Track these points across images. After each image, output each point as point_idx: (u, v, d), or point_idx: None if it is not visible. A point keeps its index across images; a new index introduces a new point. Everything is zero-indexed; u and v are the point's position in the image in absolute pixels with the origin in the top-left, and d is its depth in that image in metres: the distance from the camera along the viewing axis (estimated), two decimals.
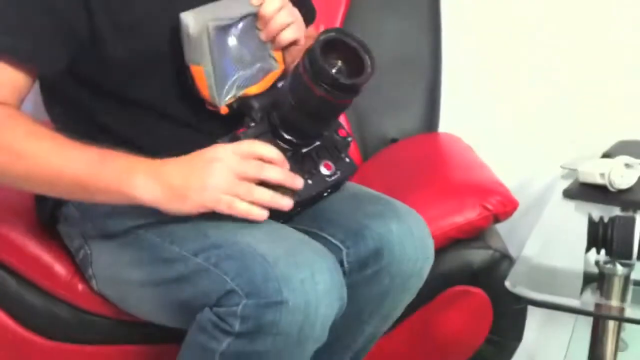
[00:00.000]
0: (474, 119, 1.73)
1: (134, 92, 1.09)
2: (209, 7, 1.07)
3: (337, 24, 1.62)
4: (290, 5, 1.11)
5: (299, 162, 1.05)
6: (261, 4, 1.08)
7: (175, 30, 1.06)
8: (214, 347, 0.98)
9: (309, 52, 0.99)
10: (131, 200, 1.00)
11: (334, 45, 1.00)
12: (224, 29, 1.07)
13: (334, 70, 0.99)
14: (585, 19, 1.68)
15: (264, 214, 1.00)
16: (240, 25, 1.09)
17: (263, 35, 1.10)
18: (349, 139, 1.11)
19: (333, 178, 1.07)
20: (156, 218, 1.05)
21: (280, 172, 1.00)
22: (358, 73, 0.99)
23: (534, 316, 1.33)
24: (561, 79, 1.71)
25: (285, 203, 1.01)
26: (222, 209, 0.98)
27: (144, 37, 1.07)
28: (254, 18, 1.09)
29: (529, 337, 1.34)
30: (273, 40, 1.10)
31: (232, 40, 1.09)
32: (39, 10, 1.02)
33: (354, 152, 1.61)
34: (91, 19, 1.04)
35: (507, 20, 1.72)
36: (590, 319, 1.11)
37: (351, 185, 1.18)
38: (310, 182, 1.05)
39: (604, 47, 1.67)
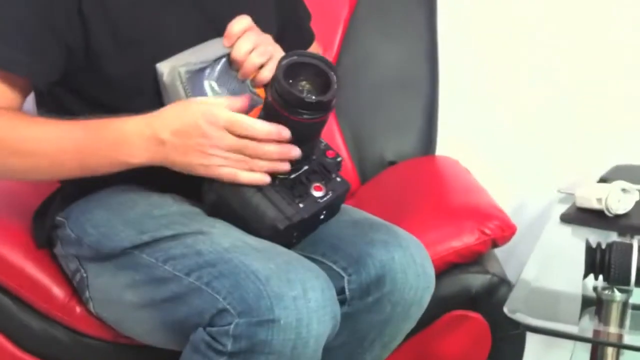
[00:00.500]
0: (471, 142, 1.74)
1: (128, 109, 1.08)
2: (184, 53, 1.09)
3: (335, 48, 1.63)
4: (265, 41, 1.10)
5: (289, 187, 1.05)
6: (233, 45, 1.09)
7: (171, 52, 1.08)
8: None
9: (274, 79, 1.00)
10: (132, 166, 1.04)
11: (297, 67, 1.01)
12: (197, 73, 1.08)
13: (300, 92, 1.00)
14: (583, 42, 1.69)
15: (266, 179, 1.03)
16: (218, 66, 1.10)
17: (239, 76, 1.11)
18: (339, 158, 1.11)
19: (325, 199, 1.07)
20: (150, 237, 1.05)
21: (276, 148, 1.02)
22: (325, 89, 1.00)
23: (532, 341, 1.33)
24: (558, 102, 1.72)
25: (285, 167, 1.04)
26: (226, 181, 1.02)
27: (142, 54, 1.08)
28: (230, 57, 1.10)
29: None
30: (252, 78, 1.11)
31: (209, 82, 1.10)
32: (34, 22, 1.04)
33: (351, 174, 1.61)
34: (87, 32, 1.06)
35: (504, 45, 1.73)
36: (589, 344, 1.11)
37: (353, 211, 1.18)
38: (302, 205, 1.05)
39: (602, 73, 1.69)
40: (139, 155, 1.02)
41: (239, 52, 1.08)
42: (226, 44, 1.09)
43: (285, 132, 1.01)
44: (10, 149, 1.05)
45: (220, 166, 1.01)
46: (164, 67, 1.07)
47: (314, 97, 1.00)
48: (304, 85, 1.01)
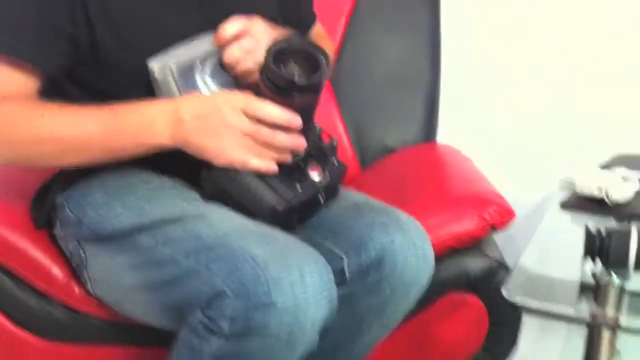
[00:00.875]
0: (472, 131, 1.74)
1: (129, 97, 1.08)
2: (175, 49, 1.09)
3: (337, 41, 1.63)
4: (258, 46, 1.10)
5: (287, 172, 1.06)
6: (224, 48, 1.10)
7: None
8: (204, 349, 0.98)
9: (264, 67, 1.02)
10: (158, 149, 1.06)
11: (286, 53, 1.03)
12: (188, 68, 1.09)
13: (291, 75, 1.02)
14: (586, 34, 1.69)
15: (274, 167, 1.05)
16: (210, 61, 1.11)
17: (230, 75, 1.12)
18: (334, 142, 1.12)
19: (323, 181, 1.09)
20: (149, 220, 1.06)
21: (288, 139, 1.04)
22: (315, 72, 1.03)
23: (528, 326, 1.33)
24: (560, 91, 1.72)
25: (289, 159, 1.06)
26: (236, 166, 1.04)
27: (142, 52, 1.09)
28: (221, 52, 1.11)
29: (523, 347, 1.34)
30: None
31: (201, 77, 1.11)
32: (36, 14, 1.05)
33: (352, 163, 1.62)
34: (91, 28, 1.07)
35: (507, 35, 1.73)
36: (584, 330, 1.11)
37: (353, 195, 1.19)
38: (300, 188, 1.06)
39: (603, 62, 1.69)
40: (162, 135, 1.04)
41: (230, 58, 1.10)
42: (215, 44, 1.10)
43: (297, 120, 1.03)
44: (37, 137, 1.06)
45: (232, 150, 1.03)
46: (155, 64, 1.08)
47: (304, 79, 1.02)
48: (294, 68, 1.03)
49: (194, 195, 1.11)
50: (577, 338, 1.11)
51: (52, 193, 1.19)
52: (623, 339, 1.09)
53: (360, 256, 1.08)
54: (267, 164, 1.04)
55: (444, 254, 1.27)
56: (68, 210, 1.16)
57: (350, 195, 1.18)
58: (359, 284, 1.08)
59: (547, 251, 1.21)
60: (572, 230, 1.30)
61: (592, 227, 1.07)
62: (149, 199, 1.10)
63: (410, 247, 1.08)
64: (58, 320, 1.23)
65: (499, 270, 1.28)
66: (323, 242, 1.10)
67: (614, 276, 1.06)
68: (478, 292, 1.29)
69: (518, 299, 1.01)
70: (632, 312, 1.04)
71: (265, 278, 0.94)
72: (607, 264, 1.05)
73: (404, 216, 1.12)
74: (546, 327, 1.43)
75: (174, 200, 1.09)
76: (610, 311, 1.03)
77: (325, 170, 1.09)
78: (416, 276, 1.09)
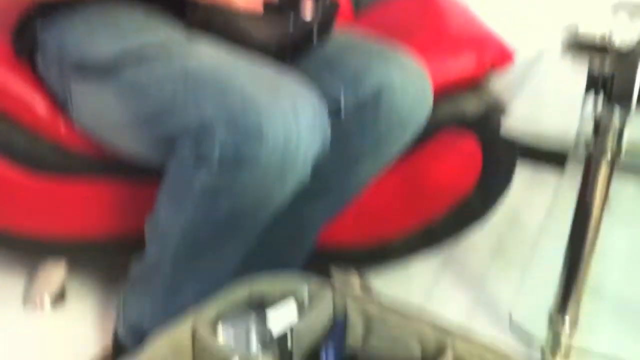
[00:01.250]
0: None
1: None
2: None
3: None
4: None
5: (277, 11, 1.03)
6: None
7: None
8: (194, 181, 0.97)
9: None
10: None
11: None
12: None
13: None
14: None
15: (260, 7, 1.01)
16: None
17: None
18: None
19: (314, 19, 1.06)
20: (134, 49, 1.02)
21: None
22: None
23: (518, 177, 1.33)
24: None
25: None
26: (221, 5, 1.00)
27: None
28: None
29: (512, 199, 1.35)
30: None
31: None
32: None
33: (346, 5, 1.56)
34: None
35: None
36: (576, 181, 1.10)
37: (348, 34, 1.15)
38: (291, 26, 1.03)
39: None
40: None
41: None
42: None
43: None
44: None
45: None
46: None
47: None
48: None
49: (182, 28, 1.07)
50: (567, 190, 1.10)
51: (33, 25, 1.15)
52: (615, 186, 1.08)
53: (357, 91, 1.04)
54: (252, 4, 1.00)
55: (442, 94, 1.24)
56: (49, 42, 1.12)
57: (345, 34, 1.15)
58: (354, 119, 1.06)
59: (547, 94, 1.20)
60: (574, 75, 1.28)
61: (595, 65, 1.05)
62: (134, 28, 1.06)
63: (408, 83, 1.05)
64: (45, 157, 1.21)
65: (496, 110, 1.26)
66: (318, 77, 1.06)
67: (616, 113, 1.04)
68: (474, 130, 1.28)
69: (514, 136, 0.99)
70: (631, 153, 1.03)
71: (256, 109, 0.91)
72: (610, 96, 1.02)
73: (402, 53, 1.08)
74: (536, 179, 1.44)
75: (161, 31, 1.05)
76: (609, 145, 1.02)
77: (316, 8, 1.06)
78: (413, 113, 1.06)
